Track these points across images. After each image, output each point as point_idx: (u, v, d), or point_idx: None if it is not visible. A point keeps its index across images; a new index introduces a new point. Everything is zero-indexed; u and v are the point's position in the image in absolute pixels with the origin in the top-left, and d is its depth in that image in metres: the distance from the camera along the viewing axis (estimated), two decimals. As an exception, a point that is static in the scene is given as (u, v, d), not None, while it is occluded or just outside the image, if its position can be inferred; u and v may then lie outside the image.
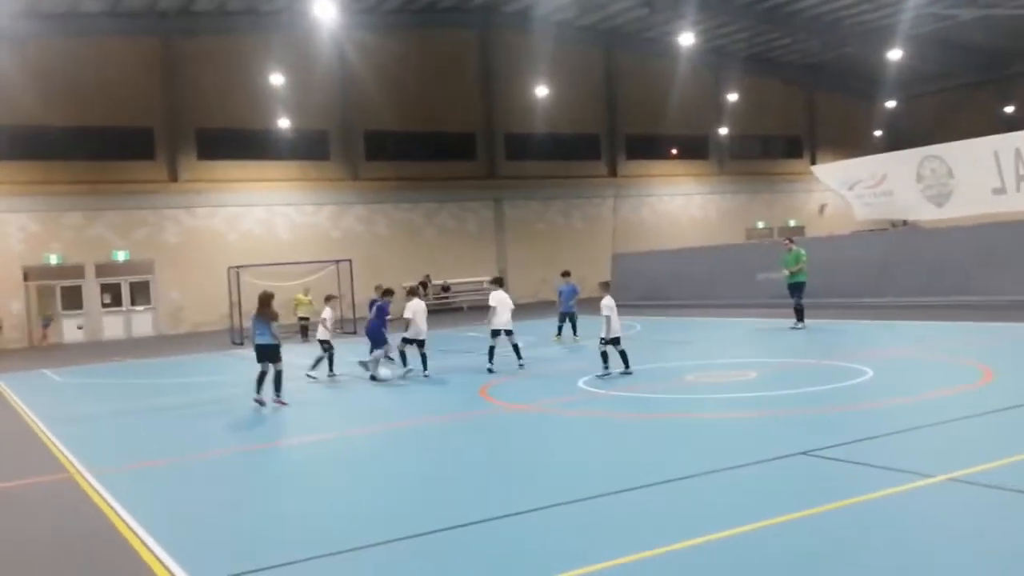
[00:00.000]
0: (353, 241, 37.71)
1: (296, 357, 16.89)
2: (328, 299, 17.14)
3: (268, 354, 13.32)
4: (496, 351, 15.54)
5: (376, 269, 33.15)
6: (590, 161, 44.99)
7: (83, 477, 9.27)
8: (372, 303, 16.55)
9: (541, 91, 41.05)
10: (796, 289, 20.05)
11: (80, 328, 33.60)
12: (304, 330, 25.73)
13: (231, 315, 26.88)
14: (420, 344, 15.57)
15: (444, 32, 40.70)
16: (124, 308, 34.80)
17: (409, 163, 40.09)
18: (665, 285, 31.33)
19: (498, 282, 16.76)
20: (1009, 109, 47.96)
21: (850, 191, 28.57)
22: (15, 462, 10.70)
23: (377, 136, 39.54)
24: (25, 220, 33.05)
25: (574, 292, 20.55)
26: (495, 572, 5.80)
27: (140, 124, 35.00)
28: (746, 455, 8.20)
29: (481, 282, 39.94)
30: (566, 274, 21.04)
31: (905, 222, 35.04)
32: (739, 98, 46.85)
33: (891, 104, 50.57)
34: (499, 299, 15.67)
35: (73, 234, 33.73)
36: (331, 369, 16.43)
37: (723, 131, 48.01)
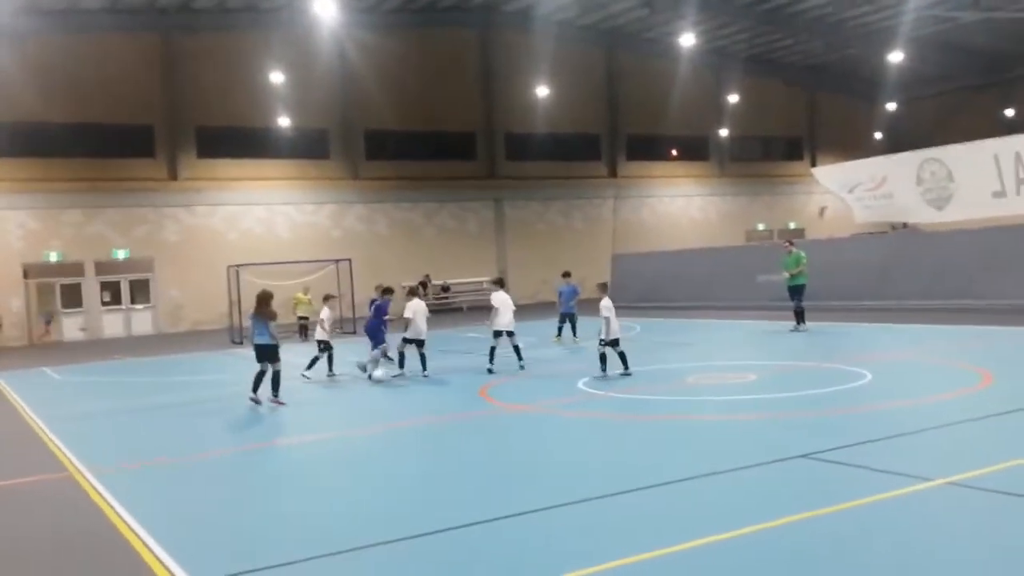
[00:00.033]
0: (353, 240, 37.70)
1: (295, 357, 16.88)
2: (326, 299, 17.02)
3: (266, 354, 13.31)
4: (497, 352, 15.54)
5: (376, 269, 33.14)
6: (590, 161, 44.99)
7: (83, 476, 9.26)
8: (372, 302, 16.53)
9: (542, 91, 41.05)
10: (796, 291, 20.06)
11: (83, 330, 33.56)
12: (304, 329, 25.72)
13: (231, 314, 26.87)
14: (419, 344, 15.56)
15: (444, 31, 40.69)
16: (124, 306, 34.78)
17: (409, 162, 40.08)
18: (665, 286, 31.32)
19: (499, 283, 16.74)
20: (1010, 112, 47.98)
21: (850, 193, 28.57)
22: (14, 460, 10.69)
23: (377, 135, 39.53)
24: (25, 217, 33.03)
25: (574, 293, 20.52)
26: (501, 572, 5.80)
27: (140, 121, 34.99)
28: (746, 457, 8.21)
29: (481, 282, 39.95)
30: (567, 275, 21.01)
31: (905, 225, 35.06)
32: (740, 99, 46.85)
33: (892, 106, 50.59)
34: (501, 300, 15.67)
35: (73, 232, 33.71)
36: (331, 369, 16.40)
37: (724, 132, 48.01)
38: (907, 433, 9.03)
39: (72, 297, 33.85)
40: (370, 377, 15.48)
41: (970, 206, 24.44)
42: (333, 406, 14.10)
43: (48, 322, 33.20)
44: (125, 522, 7.34)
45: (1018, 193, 22.97)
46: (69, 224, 33.66)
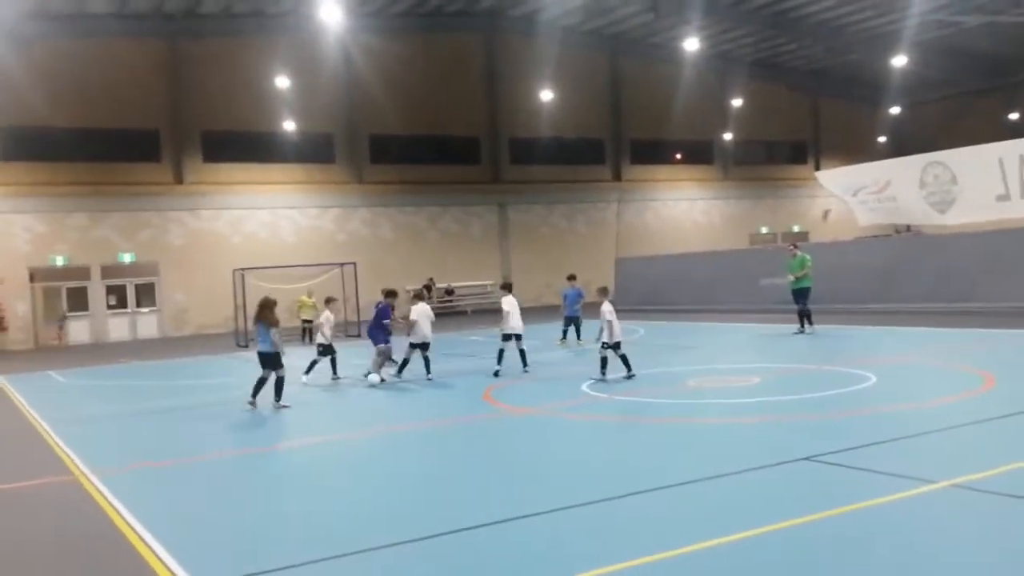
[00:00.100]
0: (357, 244, 37.78)
1: (299, 360, 16.88)
2: (328, 302, 16.71)
3: (269, 361, 13.32)
4: (506, 355, 15.54)
5: (380, 272, 33.22)
6: (594, 165, 45.03)
7: (86, 478, 9.28)
8: (377, 305, 16.52)
9: (546, 95, 41.10)
10: (801, 294, 20.06)
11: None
12: (308, 333, 25.74)
13: (236, 318, 26.92)
14: (424, 348, 15.58)
15: (449, 36, 40.77)
16: (129, 310, 34.88)
17: (413, 167, 40.15)
18: (668, 290, 31.31)
19: (508, 287, 16.73)
20: (1014, 116, 47.90)
21: (854, 197, 28.52)
22: (19, 462, 10.72)
23: (382, 139, 39.61)
24: (31, 221, 33.15)
25: (579, 296, 20.53)
26: (509, 574, 5.81)
27: (146, 126, 35.11)
28: (749, 460, 8.20)
29: (485, 286, 40.04)
30: (572, 277, 21.03)
31: (909, 228, 35.02)
32: (744, 103, 46.87)
33: (895, 110, 50.57)
34: (511, 304, 15.72)
35: (79, 235, 33.82)
36: (334, 372, 16.39)
37: (727, 136, 48.04)
38: (911, 436, 9.03)
39: (78, 301, 33.95)
40: (366, 375, 15.50)
41: (974, 209, 24.40)
42: (337, 409, 14.11)
43: (61, 326, 33.32)
44: (129, 524, 7.36)
45: (1022, 196, 22.93)
46: (75, 228, 33.77)
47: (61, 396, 17.82)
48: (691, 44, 38.26)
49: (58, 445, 11.43)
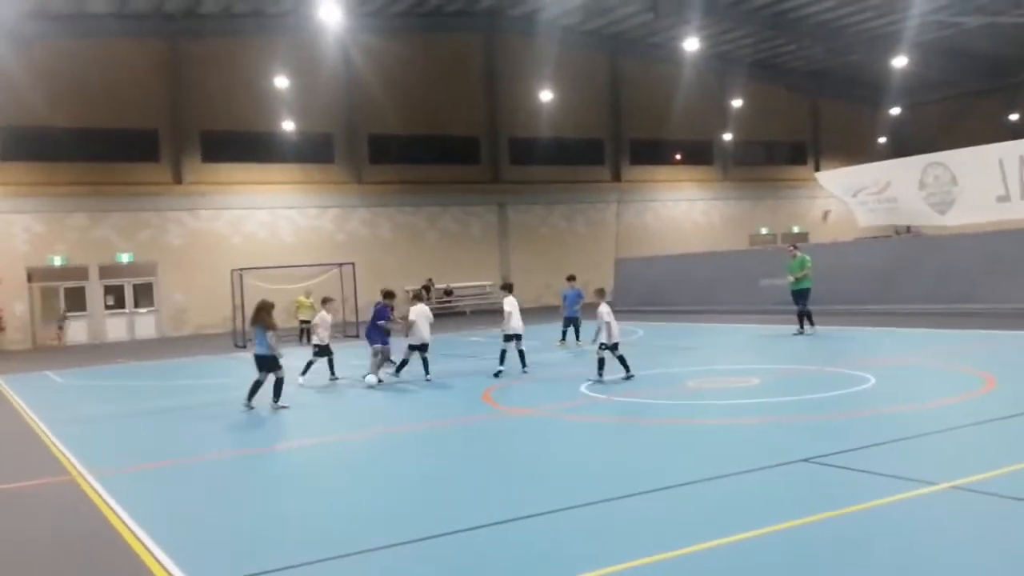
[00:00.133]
0: (356, 244, 37.75)
1: (297, 360, 16.85)
2: (324, 302, 16.64)
3: (265, 364, 13.28)
4: (508, 355, 15.52)
5: (379, 273, 33.20)
6: (594, 166, 45.01)
7: (84, 478, 9.26)
8: (376, 306, 16.49)
9: (545, 95, 41.09)
10: (801, 295, 20.04)
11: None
12: (306, 333, 25.69)
13: (234, 318, 26.90)
14: (423, 349, 15.55)
15: (449, 36, 40.75)
16: (127, 310, 34.84)
17: (413, 167, 40.13)
18: (668, 290, 31.30)
19: (509, 288, 16.71)
20: (1014, 117, 47.89)
21: (854, 198, 28.53)
22: (16, 463, 10.70)
23: (381, 139, 39.58)
24: (30, 221, 33.12)
25: (579, 297, 20.50)
26: (510, 574, 5.79)
27: (145, 126, 35.08)
28: (749, 461, 8.18)
29: (484, 286, 40.02)
30: (571, 278, 21.01)
31: (909, 229, 34.99)
32: (743, 104, 46.87)
33: (895, 111, 50.56)
34: (513, 304, 15.70)
35: (77, 235, 33.79)
36: (332, 373, 16.35)
37: (727, 137, 48.03)
38: (911, 437, 9.02)
39: (76, 301, 33.91)
40: (364, 376, 15.49)
41: (974, 210, 24.41)
42: (335, 410, 14.09)
43: (61, 326, 33.30)
44: (127, 525, 7.34)
45: (1022, 198, 22.93)
46: (73, 228, 33.74)
47: (59, 396, 17.80)
48: (691, 44, 38.26)
49: (55, 446, 11.41)
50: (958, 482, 7.03)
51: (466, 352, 20.44)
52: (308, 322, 25.53)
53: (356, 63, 38.10)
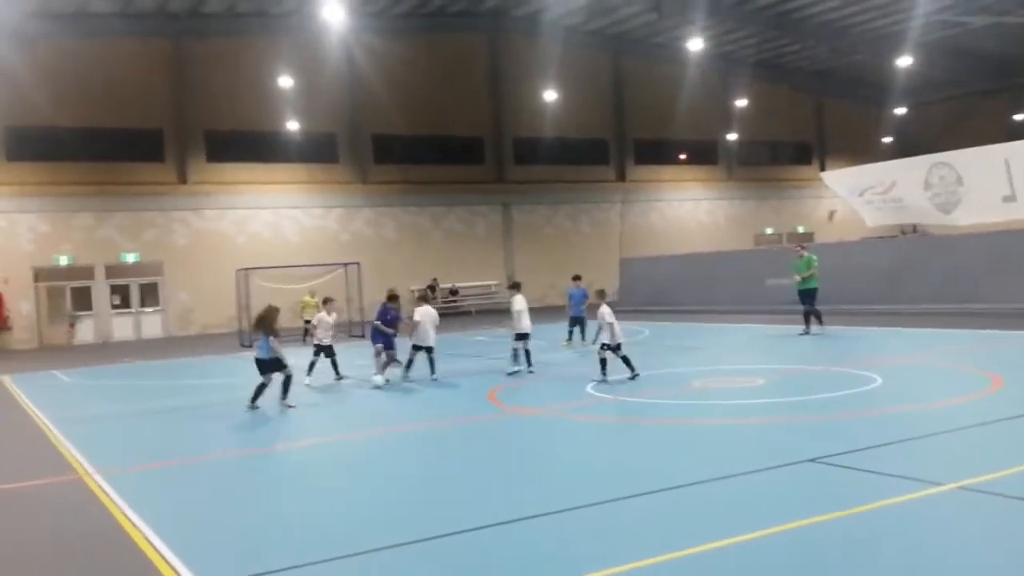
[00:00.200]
0: (361, 244, 37.78)
1: (302, 359, 16.86)
2: (326, 302, 16.63)
3: (267, 367, 13.28)
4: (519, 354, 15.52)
5: (384, 273, 33.22)
6: (598, 166, 45.00)
7: (90, 477, 9.28)
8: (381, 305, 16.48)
9: (549, 95, 41.07)
10: (807, 295, 20.00)
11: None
12: (310, 333, 25.70)
13: (239, 317, 26.93)
14: (428, 349, 15.54)
15: (453, 36, 40.77)
16: (133, 310, 34.91)
17: (417, 167, 40.15)
18: (673, 290, 31.28)
19: (517, 286, 16.70)
20: (1020, 117, 47.80)
21: (859, 197, 28.42)
22: (23, 462, 10.72)
23: (385, 139, 39.60)
24: (35, 221, 33.18)
25: (584, 296, 20.48)
26: (516, 574, 5.79)
27: (149, 126, 35.13)
28: (755, 461, 8.17)
29: (489, 286, 40.03)
30: (577, 278, 21.00)
31: (915, 229, 34.91)
32: (748, 104, 46.82)
33: (900, 111, 50.47)
34: (522, 303, 15.71)
35: (83, 235, 33.85)
36: (336, 373, 16.34)
37: (732, 137, 47.99)
38: (917, 437, 9.00)
39: (82, 300, 33.98)
40: (373, 376, 15.52)
41: (980, 210, 24.31)
42: (341, 410, 14.08)
43: (72, 324, 33.39)
44: (133, 524, 7.35)
45: (1029, 197, 22.85)
46: (79, 228, 33.80)
47: (65, 395, 17.84)
48: (694, 44, 38.23)
49: (62, 444, 11.43)
50: (965, 483, 7.02)
51: (471, 352, 20.43)
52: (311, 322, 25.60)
53: (360, 63, 38.12)
